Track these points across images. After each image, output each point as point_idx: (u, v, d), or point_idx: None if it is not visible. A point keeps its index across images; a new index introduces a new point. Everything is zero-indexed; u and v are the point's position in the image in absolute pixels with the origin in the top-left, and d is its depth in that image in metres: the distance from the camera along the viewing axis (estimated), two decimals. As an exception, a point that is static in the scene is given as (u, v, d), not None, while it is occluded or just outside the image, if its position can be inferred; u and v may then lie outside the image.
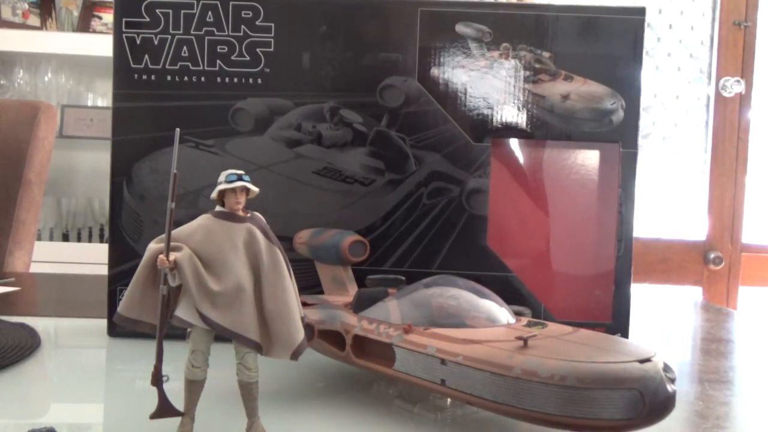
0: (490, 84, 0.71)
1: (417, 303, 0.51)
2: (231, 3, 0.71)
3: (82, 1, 2.54)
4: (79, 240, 2.47)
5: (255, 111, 0.71)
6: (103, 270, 0.72)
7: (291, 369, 0.59)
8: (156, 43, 0.72)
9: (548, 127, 0.71)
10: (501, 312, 0.51)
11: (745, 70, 2.64)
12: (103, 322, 0.73)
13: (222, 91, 0.71)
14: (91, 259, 2.08)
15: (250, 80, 0.71)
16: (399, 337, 0.49)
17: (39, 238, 2.12)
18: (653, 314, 0.99)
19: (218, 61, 0.71)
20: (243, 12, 0.71)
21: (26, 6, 2.49)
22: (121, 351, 0.68)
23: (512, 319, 0.51)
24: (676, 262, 2.66)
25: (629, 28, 0.71)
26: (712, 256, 2.64)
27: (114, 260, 0.72)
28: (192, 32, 0.71)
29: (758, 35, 2.64)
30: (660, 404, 0.40)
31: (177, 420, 0.42)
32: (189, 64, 0.71)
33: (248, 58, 0.71)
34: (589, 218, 0.73)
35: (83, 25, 2.52)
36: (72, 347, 0.72)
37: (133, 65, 0.72)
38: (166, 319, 0.42)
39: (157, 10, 0.71)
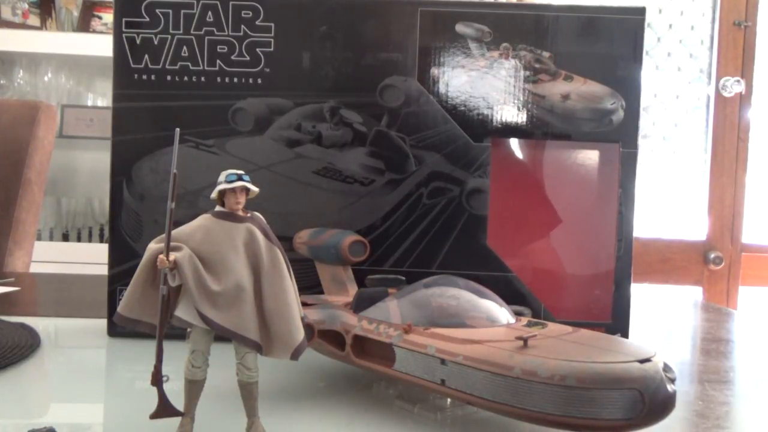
0: (490, 84, 0.71)
1: (417, 303, 0.51)
2: (231, 3, 0.71)
3: (82, 1, 2.54)
4: (79, 240, 2.47)
5: (255, 111, 0.71)
6: (103, 270, 0.72)
7: (291, 369, 0.59)
8: (156, 43, 0.72)
9: (548, 127, 0.71)
10: (501, 312, 0.51)
11: (745, 70, 2.64)
12: (103, 322, 0.73)
13: (222, 91, 0.71)
14: (91, 259, 2.08)
15: (250, 80, 0.71)
16: (399, 337, 0.49)
17: (39, 238, 2.12)
18: (653, 314, 0.99)
19: (218, 61, 0.71)
20: (243, 12, 0.71)
21: (26, 6, 2.49)
22: (121, 351, 0.68)
23: (512, 319, 0.51)
24: (676, 262, 2.66)
25: (629, 28, 0.71)
26: (712, 256, 2.64)
27: (114, 260, 0.72)
28: (192, 32, 0.71)
29: (758, 35, 2.64)
30: (660, 404, 0.40)
31: (177, 420, 0.42)
32: (189, 64, 0.71)
33: (248, 58, 0.71)
34: (589, 218, 0.73)
35: (83, 25, 2.52)
36: (72, 347, 0.72)
37: (133, 65, 0.72)
38: (166, 319, 0.42)
39: (157, 10, 0.71)
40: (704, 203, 2.67)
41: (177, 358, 0.44)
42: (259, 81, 0.71)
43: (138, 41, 0.72)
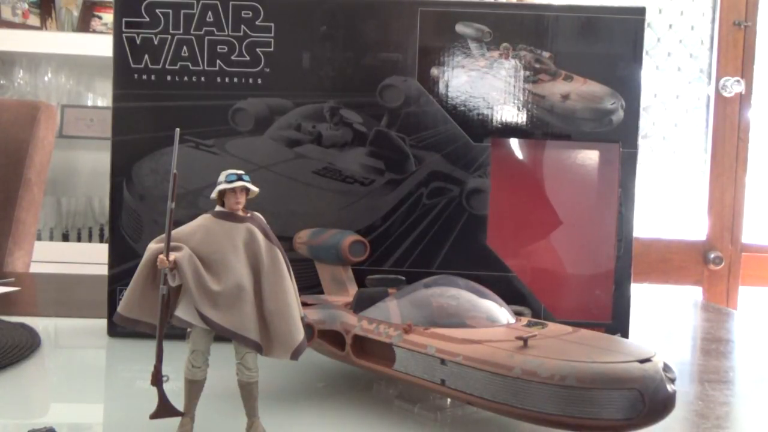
0: (490, 84, 0.71)
1: (417, 303, 0.51)
2: (231, 3, 0.71)
3: (82, 1, 2.54)
4: (79, 240, 2.47)
5: (255, 111, 0.71)
6: (103, 270, 0.72)
7: (291, 369, 0.59)
8: (156, 43, 0.72)
9: (548, 127, 0.71)
10: (501, 312, 0.51)
11: (745, 70, 2.64)
12: (103, 322, 0.73)
13: (222, 91, 0.71)
14: (91, 259, 2.08)
15: (250, 80, 0.71)
16: (399, 337, 0.49)
17: (39, 238, 2.12)
18: (653, 314, 0.99)
19: (218, 61, 0.71)
20: (243, 12, 0.71)
21: (26, 6, 2.49)
22: (121, 351, 0.68)
23: (512, 319, 0.51)
24: (676, 262, 2.66)
25: (629, 28, 0.71)
26: (712, 256, 2.64)
27: (114, 260, 0.72)
28: (192, 32, 0.71)
29: (758, 35, 2.64)
30: (660, 404, 0.40)
31: (177, 420, 0.42)
32: (189, 64, 0.71)
33: (248, 58, 0.71)
34: (589, 218, 0.73)
35: (83, 25, 2.52)
36: (72, 347, 0.72)
37: (133, 65, 0.72)
38: (166, 319, 0.42)
39: (157, 10, 0.71)
40: (704, 203, 2.67)
41: (177, 358, 0.44)
42: (259, 81, 0.71)
43: (138, 41, 0.72)
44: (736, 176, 2.64)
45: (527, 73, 0.71)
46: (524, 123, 0.71)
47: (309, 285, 0.65)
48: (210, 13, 0.71)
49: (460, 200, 0.71)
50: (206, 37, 0.71)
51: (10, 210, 1.51)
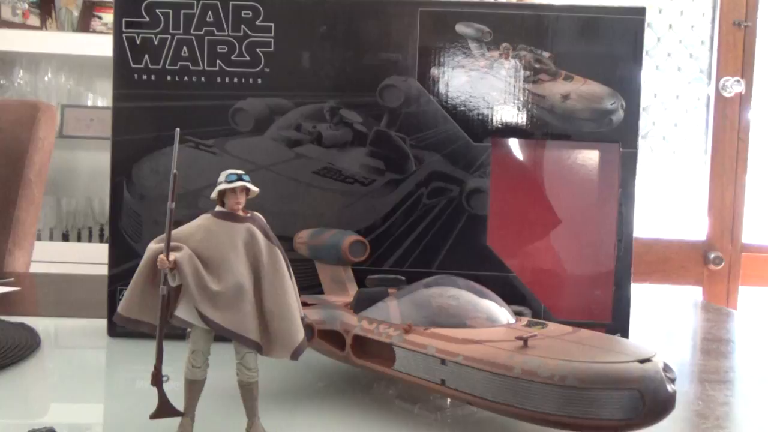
0: (490, 84, 0.71)
1: (417, 303, 0.51)
2: (231, 3, 0.71)
3: (82, 1, 2.54)
4: (79, 240, 2.47)
5: (255, 111, 0.71)
6: (103, 270, 0.72)
7: (291, 369, 0.59)
8: (156, 43, 0.72)
9: (548, 127, 0.71)
10: (501, 312, 0.51)
11: (745, 70, 2.64)
12: (103, 322, 0.73)
13: (222, 91, 0.71)
14: (91, 259, 2.08)
15: (250, 80, 0.71)
16: (399, 337, 0.49)
17: (39, 238, 2.12)
18: (653, 314, 0.99)
19: (218, 61, 0.71)
20: (243, 12, 0.71)
21: (26, 6, 2.49)
22: (121, 351, 0.68)
23: (512, 319, 0.51)
24: (676, 262, 2.66)
25: (629, 28, 0.71)
26: (712, 256, 2.64)
27: (114, 260, 0.72)
28: (192, 32, 0.71)
29: (758, 35, 2.64)
30: (660, 404, 0.40)
31: (177, 420, 0.42)
32: (189, 64, 0.71)
33: (248, 58, 0.71)
34: (589, 218, 0.73)
35: (83, 25, 2.52)
36: (72, 347, 0.72)
37: (133, 65, 0.72)
38: (166, 319, 0.42)
39: (157, 10, 0.71)
40: (704, 203, 2.67)
41: (177, 358, 0.44)
42: (259, 81, 0.71)
43: (138, 41, 0.72)
44: (736, 176, 2.64)
45: (527, 73, 0.71)
46: (524, 123, 0.71)
47: (309, 285, 0.65)
48: (210, 13, 0.71)
49: (460, 200, 0.71)
50: (206, 37, 0.71)
51: (10, 210, 1.51)
